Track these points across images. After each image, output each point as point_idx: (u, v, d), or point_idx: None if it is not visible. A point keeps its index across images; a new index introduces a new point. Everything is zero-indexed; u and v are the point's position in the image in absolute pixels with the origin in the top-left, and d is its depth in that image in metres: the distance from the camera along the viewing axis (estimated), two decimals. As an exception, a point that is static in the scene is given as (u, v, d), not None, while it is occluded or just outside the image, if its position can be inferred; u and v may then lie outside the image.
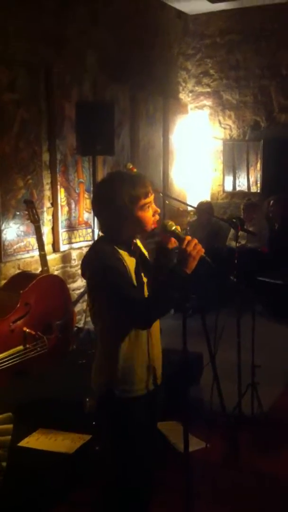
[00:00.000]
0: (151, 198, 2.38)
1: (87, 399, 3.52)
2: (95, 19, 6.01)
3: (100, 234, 2.49)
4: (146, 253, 2.56)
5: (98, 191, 2.46)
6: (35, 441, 3.41)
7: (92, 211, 2.15)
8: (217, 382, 3.76)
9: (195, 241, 2.36)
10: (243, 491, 3.37)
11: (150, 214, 2.38)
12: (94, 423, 3.23)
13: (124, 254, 2.37)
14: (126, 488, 2.49)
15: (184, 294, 2.48)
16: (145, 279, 2.45)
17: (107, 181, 2.44)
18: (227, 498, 3.30)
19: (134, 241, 2.46)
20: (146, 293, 2.42)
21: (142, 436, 2.45)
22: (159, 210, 2.42)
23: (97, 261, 2.32)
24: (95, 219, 5.35)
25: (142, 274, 2.44)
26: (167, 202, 4.88)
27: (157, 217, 2.41)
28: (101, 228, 2.48)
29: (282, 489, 3.38)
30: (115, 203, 2.32)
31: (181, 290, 2.36)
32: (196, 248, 2.33)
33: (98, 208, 2.44)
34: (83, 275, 2.53)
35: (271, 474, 3.52)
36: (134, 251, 2.44)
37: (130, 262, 2.38)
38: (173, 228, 2.43)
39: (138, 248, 2.50)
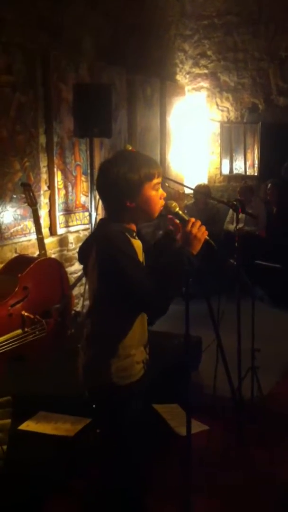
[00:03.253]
0: (160, 179, 2.35)
1: (84, 386, 3.51)
2: (91, 2, 5.92)
3: (98, 217, 2.45)
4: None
5: (108, 168, 2.32)
6: (35, 424, 3.41)
7: (94, 191, 2.10)
8: (225, 365, 3.77)
9: (199, 222, 2.35)
10: (237, 480, 3.36)
11: (158, 196, 2.34)
12: (94, 406, 3.21)
13: (131, 238, 2.31)
14: (124, 473, 2.47)
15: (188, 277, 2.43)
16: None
17: (118, 158, 2.36)
18: (225, 488, 3.29)
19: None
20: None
21: (141, 419, 2.44)
22: (165, 195, 2.38)
23: (107, 246, 2.25)
24: (93, 202, 5.32)
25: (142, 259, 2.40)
26: (166, 184, 4.84)
27: (163, 202, 2.37)
28: (106, 210, 2.42)
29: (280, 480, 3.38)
30: (129, 179, 2.26)
31: (189, 272, 2.32)
32: (201, 230, 2.33)
33: (105, 186, 2.35)
34: (80, 260, 2.49)
35: (271, 463, 3.52)
36: (136, 236, 2.39)
37: (138, 247, 2.34)
38: (177, 209, 2.42)
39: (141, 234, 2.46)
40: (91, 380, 2.42)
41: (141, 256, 2.35)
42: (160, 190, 2.36)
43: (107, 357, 2.35)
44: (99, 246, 2.29)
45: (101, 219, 2.49)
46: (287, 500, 3.15)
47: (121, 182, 2.27)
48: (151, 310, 2.34)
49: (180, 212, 2.42)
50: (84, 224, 5.91)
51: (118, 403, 2.38)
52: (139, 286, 2.22)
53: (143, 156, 2.38)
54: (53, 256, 5.46)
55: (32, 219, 4.83)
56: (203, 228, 2.34)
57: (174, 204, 2.42)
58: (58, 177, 5.59)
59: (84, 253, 2.42)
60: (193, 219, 2.36)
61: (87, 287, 5.44)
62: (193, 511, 2.82)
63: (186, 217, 2.39)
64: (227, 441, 3.71)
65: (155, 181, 2.31)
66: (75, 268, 5.81)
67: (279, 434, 3.82)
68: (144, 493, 2.64)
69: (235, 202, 4.30)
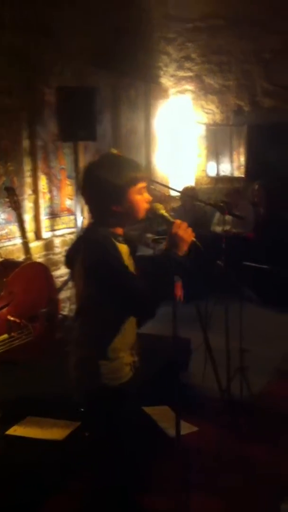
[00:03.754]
0: (145, 183, 2.35)
1: (74, 389, 3.48)
2: (76, 5, 5.90)
3: (84, 220, 2.44)
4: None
5: (93, 171, 2.33)
6: (23, 429, 3.36)
7: (79, 194, 2.07)
8: (214, 367, 3.76)
9: (186, 224, 2.34)
10: (235, 480, 3.33)
11: (144, 200, 2.34)
12: (82, 409, 3.18)
13: (117, 243, 2.30)
14: (118, 474, 2.46)
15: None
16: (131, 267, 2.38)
17: (103, 162, 2.37)
18: (219, 487, 3.27)
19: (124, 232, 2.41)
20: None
21: (133, 420, 2.45)
22: (151, 198, 2.37)
23: (94, 251, 2.24)
24: (78, 205, 5.29)
25: (129, 263, 2.37)
26: (152, 187, 4.82)
27: (148, 205, 2.36)
28: (91, 214, 2.40)
29: (271, 475, 3.36)
30: (114, 183, 2.25)
31: (176, 274, 2.34)
32: (187, 232, 2.32)
33: (90, 191, 2.34)
34: (68, 265, 2.46)
35: (260, 461, 3.50)
36: (126, 241, 2.38)
37: (125, 251, 2.33)
38: (162, 211, 2.41)
39: (129, 238, 2.44)
40: (82, 382, 2.42)
41: (127, 260, 2.33)
42: (145, 194, 2.35)
43: (97, 359, 2.35)
44: (88, 251, 2.28)
45: (88, 223, 2.48)
46: (279, 496, 3.12)
47: (106, 186, 2.27)
48: (140, 313, 2.36)
49: (166, 215, 2.41)
50: (70, 227, 5.87)
51: (109, 404, 2.38)
52: (127, 290, 2.23)
53: (128, 160, 2.39)
54: (39, 260, 5.41)
55: (17, 224, 4.79)
56: (190, 229, 2.33)
57: (159, 206, 2.42)
58: (43, 181, 5.55)
59: (71, 257, 2.41)
60: (178, 221, 2.35)
61: (74, 290, 5.41)
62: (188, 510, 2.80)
63: (172, 219, 2.39)
64: (217, 441, 3.67)
65: (140, 185, 2.31)
66: (62, 272, 5.76)
67: (268, 433, 3.80)
68: (139, 493, 2.66)
69: (221, 204, 4.30)
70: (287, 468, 3.38)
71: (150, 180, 6.07)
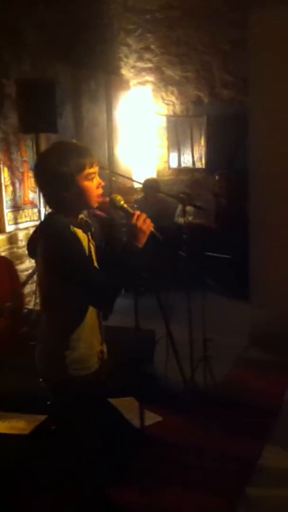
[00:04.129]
0: (95, 169, 2.34)
1: (40, 380, 3.49)
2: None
3: (47, 213, 2.43)
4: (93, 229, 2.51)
5: (42, 160, 2.37)
6: (-12, 425, 3.37)
7: (37, 185, 2.08)
8: (177, 358, 3.81)
9: (144, 215, 2.34)
10: (200, 469, 3.39)
11: (94, 186, 2.34)
12: (48, 403, 3.20)
13: (77, 230, 2.31)
14: (82, 467, 2.48)
15: (136, 271, 2.45)
16: (93, 255, 2.41)
17: (52, 150, 2.36)
18: (184, 477, 3.32)
19: (81, 216, 2.42)
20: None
21: (99, 411, 2.46)
22: (103, 183, 2.37)
23: (52, 240, 2.26)
24: (41, 198, 5.27)
25: (92, 250, 2.41)
26: (113, 179, 4.84)
27: (101, 190, 2.36)
28: (46, 203, 2.41)
29: (236, 462, 3.44)
30: (60, 171, 2.25)
31: (135, 265, 2.33)
32: (146, 223, 2.32)
33: (42, 179, 2.36)
34: (30, 255, 2.48)
35: (223, 448, 3.56)
36: (84, 227, 2.39)
37: (83, 238, 2.34)
38: (122, 202, 2.41)
39: (87, 224, 2.45)
40: (47, 373, 2.44)
41: (87, 246, 2.35)
42: (96, 179, 2.34)
43: (61, 349, 2.36)
44: (45, 240, 2.29)
45: (48, 213, 2.48)
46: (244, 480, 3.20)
47: (54, 173, 2.27)
48: (97, 303, 2.35)
49: (125, 206, 2.41)
50: (33, 220, 5.85)
51: (75, 395, 2.39)
52: (84, 280, 2.23)
53: (76, 146, 2.37)
54: (2, 254, 5.39)
55: (-21, 217, 4.76)
56: (148, 220, 2.34)
57: (119, 197, 2.42)
58: (5, 174, 5.52)
59: (33, 246, 2.41)
60: (137, 212, 2.35)
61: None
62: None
63: (131, 211, 2.39)
64: (182, 431, 3.73)
65: (88, 171, 2.30)
66: (26, 266, 5.75)
67: (232, 421, 3.87)
68: (106, 486, 2.64)
69: (182, 195, 4.34)
70: (250, 454, 3.45)
71: (112, 172, 6.10)
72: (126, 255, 2.32)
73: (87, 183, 2.31)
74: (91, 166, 2.31)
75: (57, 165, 2.26)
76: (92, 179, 2.33)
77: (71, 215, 2.35)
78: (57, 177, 2.27)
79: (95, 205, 2.38)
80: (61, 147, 2.36)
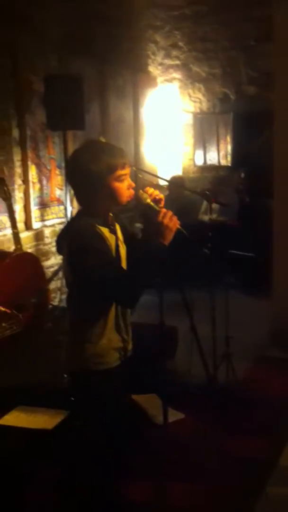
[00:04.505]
0: (127, 170, 2.36)
1: (65, 375, 3.55)
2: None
3: (74, 211, 2.48)
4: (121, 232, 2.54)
5: (74, 158, 2.38)
6: (14, 418, 3.43)
7: (67, 183, 2.10)
8: (201, 354, 3.84)
9: (171, 213, 2.36)
10: (219, 467, 3.41)
11: (125, 187, 2.36)
12: (72, 398, 3.26)
13: (103, 230, 2.35)
14: (96, 461, 2.53)
15: (161, 268, 2.48)
16: (123, 254, 2.45)
17: (84, 149, 2.38)
18: (201, 472, 3.35)
19: (111, 214, 2.45)
20: (125, 267, 2.42)
21: (116, 406, 2.49)
22: (134, 185, 2.39)
23: (76, 239, 2.30)
24: (68, 195, 5.33)
25: (121, 249, 2.44)
26: (140, 176, 4.86)
27: (131, 191, 2.39)
28: (77, 201, 2.45)
29: (254, 460, 3.46)
30: (92, 171, 2.28)
31: (160, 263, 2.36)
32: (172, 220, 2.34)
33: (73, 178, 2.39)
34: (59, 251, 2.53)
35: (246, 446, 3.59)
36: (112, 226, 2.42)
37: (111, 238, 2.38)
38: (148, 200, 2.43)
39: (115, 222, 2.47)
40: (70, 365, 2.51)
41: (113, 245, 2.38)
42: (127, 181, 2.37)
43: (82, 343, 2.41)
44: (69, 240, 2.34)
45: (77, 211, 2.51)
46: (260, 479, 3.22)
47: (85, 173, 2.30)
48: (120, 299, 2.37)
49: (152, 203, 2.43)
50: (59, 217, 5.90)
51: (93, 388, 2.45)
52: (105, 277, 2.25)
53: (109, 146, 2.39)
54: (29, 250, 5.45)
55: (6, 214, 4.81)
56: (175, 218, 2.35)
57: (145, 195, 2.43)
58: (32, 171, 5.57)
59: (60, 244, 2.47)
60: (164, 210, 2.37)
61: (64, 281, 5.47)
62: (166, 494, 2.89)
63: (158, 208, 2.42)
64: (203, 427, 3.76)
65: (119, 172, 2.32)
66: (52, 262, 5.82)
67: (254, 418, 3.89)
68: (120, 481, 2.69)
69: (207, 192, 4.35)
70: (270, 453, 3.48)
71: (138, 169, 6.12)
72: (152, 252, 2.34)
73: (117, 184, 2.33)
74: (123, 168, 2.33)
75: (88, 165, 2.29)
76: (123, 180, 2.35)
77: (100, 213, 2.38)
78: (88, 176, 2.29)
79: (124, 203, 2.39)
80: (94, 147, 2.38)
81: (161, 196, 2.47)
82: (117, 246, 2.42)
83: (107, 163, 2.29)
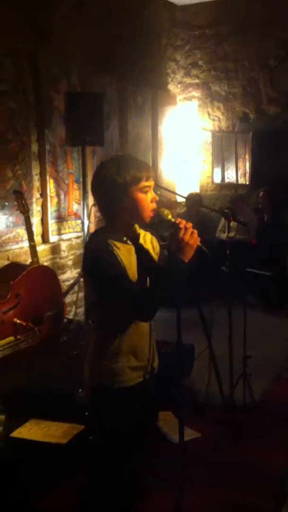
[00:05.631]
0: (151, 183, 2.35)
1: (80, 390, 3.52)
2: (81, 10, 5.95)
3: (91, 225, 2.49)
4: (153, 244, 2.53)
5: (100, 170, 2.39)
6: (27, 431, 3.39)
7: (86, 197, 2.11)
8: (216, 373, 3.80)
9: (191, 230, 2.33)
10: (234, 479, 3.37)
11: (148, 199, 2.35)
12: (86, 413, 3.22)
13: (120, 245, 2.34)
14: (112, 476, 2.50)
15: (180, 284, 2.43)
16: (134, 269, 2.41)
17: (110, 161, 2.40)
18: (218, 486, 3.30)
19: (135, 229, 2.44)
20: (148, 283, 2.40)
21: (132, 424, 2.45)
22: (157, 198, 2.38)
23: (89, 256, 2.35)
24: (85, 210, 5.34)
25: (141, 264, 2.40)
26: (158, 192, 4.86)
27: (154, 205, 2.37)
28: (100, 213, 2.45)
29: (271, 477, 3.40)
30: (116, 181, 2.29)
31: (179, 280, 2.34)
32: (193, 237, 2.32)
33: (97, 188, 2.40)
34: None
35: (261, 463, 3.53)
36: (133, 240, 2.41)
37: (126, 252, 2.36)
38: (169, 217, 2.41)
39: (138, 237, 2.45)
40: (87, 381, 2.49)
41: (128, 260, 2.35)
42: (151, 194, 2.35)
43: (100, 359, 2.41)
44: (84, 257, 2.40)
45: (96, 229, 2.53)
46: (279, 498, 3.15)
47: (108, 184, 2.31)
48: (136, 316, 2.36)
49: (173, 220, 2.40)
50: (76, 232, 5.91)
51: (108, 405, 2.43)
52: (120, 294, 2.27)
53: (134, 159, 2.40)
54: (45, 263, 5.46)
55: (24, 227, 4.83)
56: (195, 234, 2.33)
57: (166, 211, 2.41)
58: (51, 185, 5.60)
59: None
60: (184, 222, 2.34)
61: (80, 294, 5.47)
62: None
63: (177, 224, 2.37)
64: (220, 446, 3.70)
65: (143, 184, 2.32)
66: (68, 276, 5.82)
67: (272, 439, 3.83)
68: (136, 496, 2.66)
69: (226, 210, 4.33)
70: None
71: (156, 185, 6.12)
72: (171, 268, 2.33)
73: (141, 196, 2.33)
74: (147, 180, 2.33)
75: (113, 175, 2.30)
76: (147, 192, 2.34)
77: (122, 227, 2.38)
78: (112, 187, 2.30)
79: (148, 219, 2.39)
80: (120, 159, 2.41)
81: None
82: (140, 259, 2.39)
83: (132, 174, 2.30)
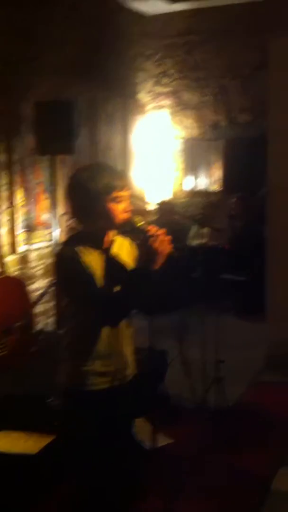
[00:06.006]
0: (125, 193, 2.36)
1: (51, 398, 3.48)
2: (52, 20, 5.92)
3: (61, 234, 2.52)
4: (130, 250, 2.53)
5: (75, 176, 2.40)
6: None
7: (66, 198, 2.11)
8: (189, 379, 3.80)
9: (162, 236, 2.33)
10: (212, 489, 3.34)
11: (121, 209, 2.35)
12: (56, 423, 3.18)
13: (89, 252, 2.34)
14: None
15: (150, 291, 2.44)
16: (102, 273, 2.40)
17: (86, 168, 2.42)
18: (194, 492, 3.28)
19: (112, 238, 2.45)
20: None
21: (98, 429, 2.42)
22: (130, 208, 2.39)
23: (58, 262, 2.43)
24: (55, 219, 5.28)
25: (111, 272, 2.40)
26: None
27: (127, 215, 2.37)
28: (73, 217, 2.46)
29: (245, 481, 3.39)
30: (90, 189, 2.30)
31: (150, 287, 2.35)
32: (163, 244, 2.32)
33: (71, 195, 2.41)
34: None
35: (237, 468, 3.52)
36: (104, 248, 2.41)
37: (96, 259, 2.36)
38: (141, 223, 2.39)
39: (111, 244, 2.46)
40: (58, 383, 2.50)
41: (97, 265, 2.35)
42: (124, 204, 2.36)
43: (69, 364, 2.44)
44: (54, 265, 2.56)
45: (67, 236, 2.61)
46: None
47: (81, 190, 2.33)
48: (102, 322, 2.37)
49: (143, 227, 2.39)
50: (45, 241, 5.86)
51: (75, 409, 2.45)
52: (85, 299, 2.32)
53: (109, 168, 2.43)
54: (14, 274, 5.38)
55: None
56: (166, 241, 2.33)
57: (138, 218, 2.40)
58: (19, 195, 5.54)
59: None
60: (154, 229, 2.34)
61: (50, 304, 5.40)
62: None
63: (148, 231, 2.38)
64: (194, 450, 3.70)
65: (116, 193, 2.32)
66: (38, 286, 5.75)
67: (245, 442, 3.83)
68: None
69: (199, 217, 4.34)
70: (265, 476, 3.40)
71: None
72: (140, 275, 2.34)
73: (113, 205, 2.33)
74: (121, 190, 2.34)
75: (87, 183, 2.31)
76: (120, 202, 2.34)
77: (94, 234, 2.40)
78: (86, 194, 2.31)
79: (118, 225, 2.39)
80: (95, 166, 2.44)
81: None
82: (109, 266, 2.39)
83: (105, 183, 2.31)
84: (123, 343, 2.47)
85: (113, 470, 2.50)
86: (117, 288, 2.35)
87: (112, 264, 2.42)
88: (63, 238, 4.41)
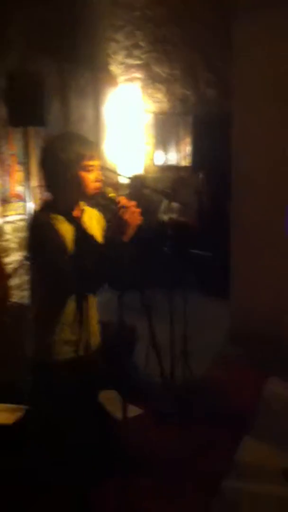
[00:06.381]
0: (95, 162, 2.40)
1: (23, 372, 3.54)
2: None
3: (35, 207, 2.51)
4: (99, 222, 2.58)
5: (46, 146, 2.45)
6: None
7: (39, 169, 2.13)
8: (157, 353, 3.87)
9: (133, 208, 2.35)
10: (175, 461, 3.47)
11: (92, 178, 2.39)
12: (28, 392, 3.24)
13: (61, 220, 2.39)
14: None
15: (121, 264, 2.45)
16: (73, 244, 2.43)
17: (57, 138, 2.44)
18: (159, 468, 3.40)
19: (82, 208, 2.49)
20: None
21: (66, 398, 2.47)
22: (102, 178, 2.43)
23: (30, 229, 2.39)
24: (28, 192, 5.32)
25: (81, 242, 2.43)
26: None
27: (98, 184, 2.41)
28: (46, 187, 2.48)
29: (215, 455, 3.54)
30: (61, 158, 2.35)
31: (119, 259, 2.35)
32: (134, 216, 2.34)
33: (44, 165, 2.44)
34: None
35: (201, 441, 3.66)
36: (74, 218, 2.46)
37: (66, 228, 2.40)
38: (111, 194, 2.42)
39: (82, 214, 2.50)
40: (29, 356, 2.55)
41: (70, 236, 2.38)
42: (95, 173, 2.40)
43: (38, 334, 2.49)
44: (27, 234, 2.43)
45: (40, 204, 2.56)
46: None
47: (52, 160, 2.38)
48: (75, 291, 2.41)
49: (114, 197, 2.41)
50: (19, 214, 5.88)
51: (42, 379, 2.49)
52: (52, 266, 2.29)
53: (79, 137, 2.44)
54: (-12, 246, 5.42)
55: None
56: (137, 213, 2.34)
57: (109, 189, 2.43)
58: (-8, 167, 5.54)
59: None
60: (125, 201, 2.35)
61: (24, 278, 5.46)
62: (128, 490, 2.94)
63: (119, 202, 2.40)
64: (159, 425, 3.82)
65: (86, 162, 2.36)
66: (12, 259, 5.78)
67: (209, 416, 3.95)
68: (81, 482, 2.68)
69: (169, 191, 4.40)
70: (228, 448, 3.55)
71: (100, 166, 6.13)
72: (109, 247, 2.37)
73: (83, 174, 2.37)
74: (91, 159, 2.38)
75: (58, 153, 2.35)
76: (90, 171, 2.38)
77: (65, 203, 2.43)
78: (57, 164, 2.35)
79: (90, 197, 2.43)
80: (65, 136, 2.45)
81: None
82: (77, 236, 2.42)
83: (76, 152, 2.35)
84: (88, 313, 2.51)
85: (81, 440, 2.54)
86: (87, 259, 2.34)
87: (82, 233, 2.46)
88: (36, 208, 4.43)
